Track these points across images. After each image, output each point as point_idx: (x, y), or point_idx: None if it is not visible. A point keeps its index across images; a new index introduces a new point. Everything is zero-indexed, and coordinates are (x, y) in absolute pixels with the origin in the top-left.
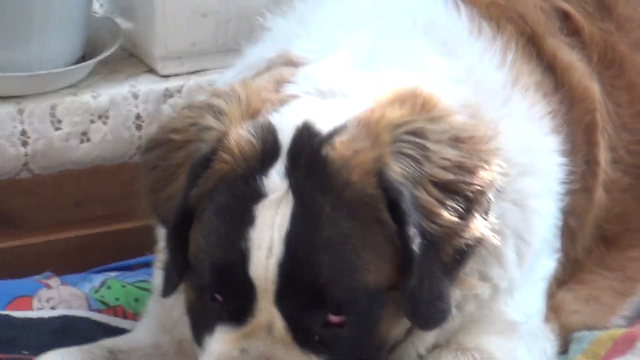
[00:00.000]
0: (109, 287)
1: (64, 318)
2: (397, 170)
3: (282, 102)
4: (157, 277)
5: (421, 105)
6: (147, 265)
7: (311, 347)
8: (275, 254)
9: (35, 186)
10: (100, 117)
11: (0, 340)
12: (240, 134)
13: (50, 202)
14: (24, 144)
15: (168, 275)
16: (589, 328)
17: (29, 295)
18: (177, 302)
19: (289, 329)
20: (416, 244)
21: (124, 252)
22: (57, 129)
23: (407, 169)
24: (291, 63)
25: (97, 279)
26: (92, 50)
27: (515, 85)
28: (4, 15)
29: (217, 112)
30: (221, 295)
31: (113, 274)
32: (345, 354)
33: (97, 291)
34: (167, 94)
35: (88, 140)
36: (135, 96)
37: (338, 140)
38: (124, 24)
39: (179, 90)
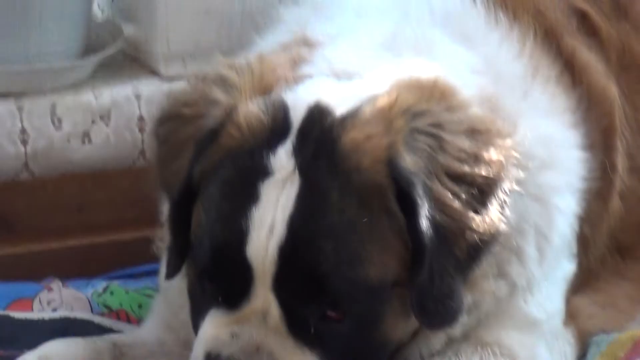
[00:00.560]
0: (112, 293)
1: (66, 320)
2: (409, 159)
3: (297, 80)
4: (164, 271)
5: (439, 94)
6: (151, 273)
7: (306, 340)
8: (276, 235)
9: (36, 189)
10: (102, 117)
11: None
12: (250, 109)
13: (51, 207)
14: (24, 142)
15: (170, 256)
16: (607, 333)
17: (29, 297)
18: (185, 303)
19: (285, 319)
20: (427, 237)
21: (127, 261)
22: (58, 128)
23: (421, 159)
24: (308, 44)
25: (100, 284)
26: (93, 52)
27: (535, 77)
28: (1, 7)
29: (228, 85)
30: (217, 277)
31: (116, 281)
32: (342, 351)
33: (99, 295)
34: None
35: (90, 141)
36: (138, 97)
37: (350, 122)
38: (125, 26)
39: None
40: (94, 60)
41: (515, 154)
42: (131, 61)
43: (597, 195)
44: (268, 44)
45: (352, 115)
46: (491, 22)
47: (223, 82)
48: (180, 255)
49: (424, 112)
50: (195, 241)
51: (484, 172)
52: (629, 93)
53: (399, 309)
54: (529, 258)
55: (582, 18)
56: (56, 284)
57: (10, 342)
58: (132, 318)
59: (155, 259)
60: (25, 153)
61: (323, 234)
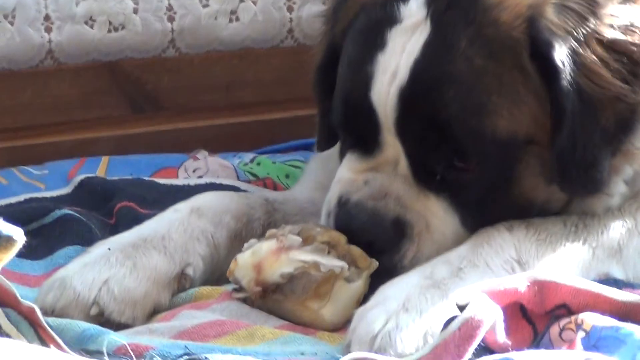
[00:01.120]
0: (258, 164)
1: (211, 185)
2: (555, 21)
3: None
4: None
5: None
6: (300, 148)
7: (431, 186)
8: (398, 79)
9: (183, 66)
10: None
11: (144, 199)
12: None
13: (198, 85)
14: (170, 19)
15: (319, 129)
16: None
17: (175, 166)
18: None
19: (410, 166)
20: (569, 101)
21: (275, 140)
22: (205, 5)
23: (570, 23)
24: None
25: (247, 156)
26: None
27: None
28: None
29: None
30: (349, 124)
31: (264, 155)
32: (474, 202)
33: (246, 164)
34: None
35: (237, 19)
36: None
37: None
38: None
39: None
40: None
41: None
42: None
43: None
44: None
45: None
46: None
47: None
48: (326, 127)
49: None
50: (334, 98)
51: (636, 41)
52: None
53: (538, 170)
54: None
55: None
56: (202, 154)
57: (154, 204)
58: (279, 186)
59: (304, 137)
60: (172, 30)
61: (445, 80)
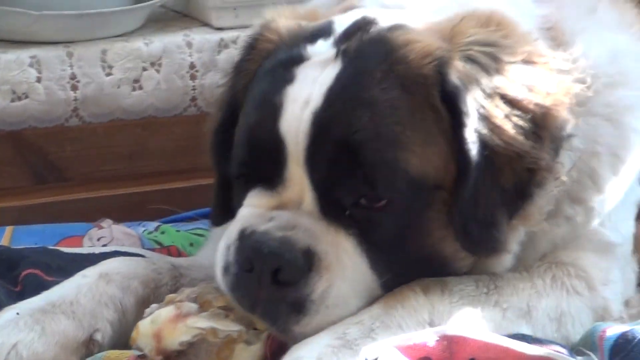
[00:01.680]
0: (163, 232)
1: (116, 253)
2: (462, 69)
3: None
4: None
5: (496, 24)
6: (203, 217)
7: (340, 222)
8: (311, 105)
9: (86, 135)
10: (153, 64)
11: (49, 267)
12: (289, 20)
13: (101, 154)
14: (74, 88)
15: (215, 202)
16: None
17: (79, 235)
18: None
19: (318, 200)
20: (474, 151)
21: (177, 211)
22: (108, 74)
23: (476, 74)
24: None
25: (151, 225)
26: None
27: None
28: None
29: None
30: (253, 159)
31: (168, 224)
32: (384, 243)
33: (150, 233)
34: (222, 44)
35: (140, 88)
36: (189, 45)
37: (400, 29)
38: None
39: (234, 41)
40: (144, 8)
41: (574, 84)
42: (182, 15)
43: None
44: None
45: (401, 26)
46: None
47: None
48: (223, 197)
49: (482, 34)
50: (235, 146)
51: (539, 101)
52: None
53: (446, 220)
54: (605, 181)
55: None
56: (107, 222)
57: (59, 271)
58: (184, 254)
59: (207, 206)
60: (75, 98)
61: (360, 104)
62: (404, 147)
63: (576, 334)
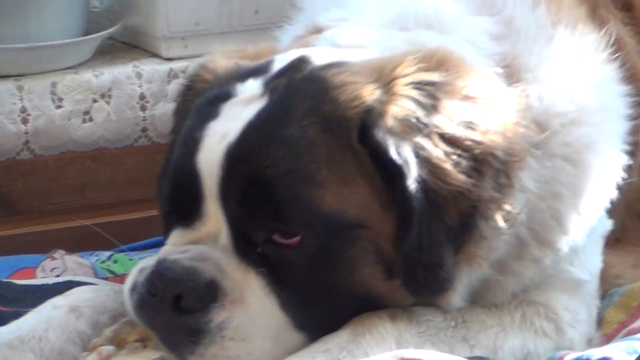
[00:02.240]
0: (115, 261)
1: (69, 282)
2: (398, 115)
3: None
4: None
5: (437, 62)
6: (156, 245)
7: (251, 260)
8: (228, 138)
9: (37, 168)
10: (103, 96)
11: (2, 297)
12: (228, 61)
13: (53, 187)
14: (24, 121)
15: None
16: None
17: (32, 267)
18: None
19: (231, 237)
20: (416, 200)
21: (131, 241)
22: (58, 107)
23: (413, 117)
24: (317, 31)
25: (104, 254)
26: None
27: (558, 22)
28: None
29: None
30: (174, 195)
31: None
32: (297, 283)
33: (103, 262)
34: (172, 74)
35: (91, 119)
36: (139, 76)
37: (335, 67)
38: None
39: (183, 71)
40: (93, 40)
41: (522, 123)
42: (131, 47)
43: None
44: (288, 37)
45: (338, 64)
46: None
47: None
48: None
49: (419, 75)
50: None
51: (478, 139)
52: None
53: (374, 259)
54: (569, 222)
55: None
56: (59, 253)
57: (13, 302)
58: None
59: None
60: (26, 132)
61: (276, 141)
62: (318, 185)
63: None
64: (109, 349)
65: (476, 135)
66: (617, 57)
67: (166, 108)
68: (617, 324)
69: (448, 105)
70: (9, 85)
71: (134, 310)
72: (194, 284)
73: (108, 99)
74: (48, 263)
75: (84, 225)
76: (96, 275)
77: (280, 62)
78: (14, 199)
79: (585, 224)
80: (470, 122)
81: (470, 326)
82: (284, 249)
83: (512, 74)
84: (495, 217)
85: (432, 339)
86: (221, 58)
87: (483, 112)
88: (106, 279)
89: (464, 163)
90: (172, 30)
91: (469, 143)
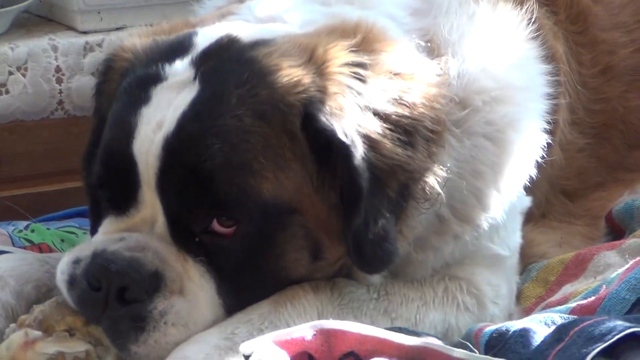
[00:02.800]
0: (33, 231)
1: None
2: (336, 99)
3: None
4: None
5: (362, 39)
6: (73, 215)
7: (189, 248)
8: (164, 129)
9: None
10: (19, 68)
11: None
12: (143, 39)
13: None
14: None
15: (90, 214)
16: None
17: None
18: None
19: (168, 225)
20: (364, 178)
21: (45, 214)
22: None
23: (349, 98)
24: (240, 0)
25: (21, 224)
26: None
27: None
28: None
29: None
30: (107, 180)
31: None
32: (231, 269)
33: (20, 231)
34: (88, 47)
35: (7, 92)
36: (55, 49)
37: (264, 47)
38: None
39: (99, 45)
40: (8, 13)
41: (449, 96)
42: (47, 20)
43: None
44: (207, 9)
45: (266, 43)
46: None
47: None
48: (97, 214)
49: (349, 56)
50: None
51: (407, 113)
52: (575, 47)
53: (302, 243)
54: (489, 199)
55: None
56: None
57: None
58: (54, 251)
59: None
60: None
61: (211, 133)
62: (255, 173)
63: None
64: (36, 333)
65: (405, 110)
66: (537, 36)
67: (82, 81)
68: (535, 298)
69: (378, 83)
70: None
71: (77, 305)
72: (139, 276)
73: (24, 71)
74: None
75: (0, 197)
76: (14, 244)
77: (203, 37)
78: None
79: (505, 201)
80: (399, 98)
81: (392, 299)
82: (221, 237)
83: (432, 49)
84: (431, 184)
85: (353, 311)
86: (136, 36)
87: (409, 87)
88: (24, 248)
89: (398, 137)
90: (87, 4)
91: (399, 118)
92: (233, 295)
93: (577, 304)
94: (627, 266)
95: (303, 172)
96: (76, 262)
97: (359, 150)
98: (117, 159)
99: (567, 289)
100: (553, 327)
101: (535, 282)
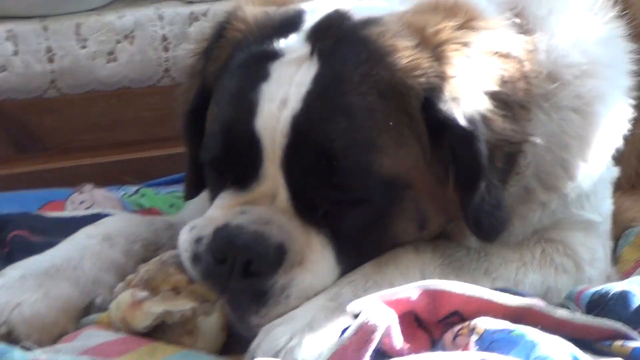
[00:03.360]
0: (142, 196)
1: (98, 216)
2: (455, 83)
3: None
4: None
5: (465, 18)
6: (182, 181)
7: (312, 220)
8: (290, 108)
9: (64, 106)
10: (126, 37)
11: (33, 228)
12: (256, 8)
13: (79, 124)
14: (50, 60)
15: (187, 178)
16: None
17: (61, 200)
18: None
19: (292, 201)
20: (485, 158)
21: (154, 178)
22: (83, 47)
23: (467, 82)
24: None
25: (131, 189)
26: None
27: None
28: None
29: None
30: (227, 156)
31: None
32: (351, 240)
33: (130, 196)
34: (193, 17)
35: (115, 60)
36: (161, 18)
37: (376, 26)
38: None
39: (204, 14)
40: None
41: (538, 71)
42: None
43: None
44: None
45: (376, 21)
46: None
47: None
48: (195, 174)
49: (459, 35)
50: (208, 137)
51: (510, 92)
52: None
53: (413, 215)
54: (576, 169)
55: None
56: (87, 187)
57: (43, 233)
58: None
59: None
60: (52, 71)
61: (339, 112)
62: (378, 150)
63: None
64: (142, 295)
65: (507, 87)
66: (624, 14)
67: (188, 50)
68: (634, 262)
69: (485, 62)
70: (34, 25)
71: (202, 279)
72: (264, 249)
73: (131, 40)
74: (77, 197)
75: (110, 161)
76: (124, 209)
77: (311, 13)
78: (42, 136)
79: (593, 171)
80: (502, 76)
81: (492, 259)
82: (342, 210)
83: (520, 24)
84: (528, 152)
85: (455, 271)
86: (248, 5)
87: (508, 63)
88: (135, 212)
89: (504, 113)
90: None
91: (504, 95)
92: (349, 264)
93: None
94: None
95: (419, 149)
96: (197, 240)
97: (480, 133)
98: (238, 136)
99: None
100: None
101: (634, 246)
